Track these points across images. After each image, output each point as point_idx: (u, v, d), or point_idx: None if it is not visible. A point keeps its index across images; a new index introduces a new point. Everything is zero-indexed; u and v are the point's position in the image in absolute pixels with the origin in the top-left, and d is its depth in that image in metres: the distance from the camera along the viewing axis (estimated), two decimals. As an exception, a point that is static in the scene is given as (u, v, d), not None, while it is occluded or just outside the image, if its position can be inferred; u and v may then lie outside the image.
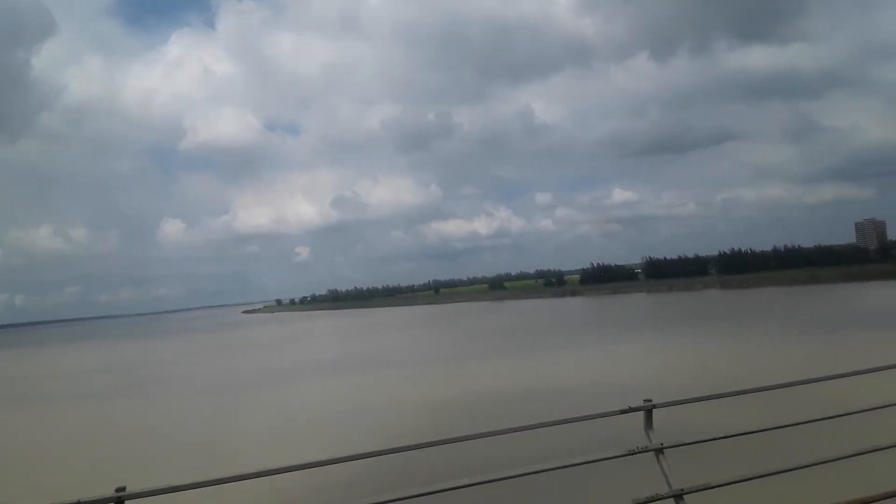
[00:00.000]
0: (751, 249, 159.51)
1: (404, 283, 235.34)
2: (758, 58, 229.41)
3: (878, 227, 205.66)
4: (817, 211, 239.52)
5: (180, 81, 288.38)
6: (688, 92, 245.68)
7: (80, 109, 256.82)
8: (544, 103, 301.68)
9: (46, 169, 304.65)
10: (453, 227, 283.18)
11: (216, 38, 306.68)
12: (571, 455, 4.49)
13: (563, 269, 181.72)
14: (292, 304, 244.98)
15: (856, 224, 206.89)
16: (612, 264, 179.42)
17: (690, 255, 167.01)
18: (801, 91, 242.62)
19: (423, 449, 4.39)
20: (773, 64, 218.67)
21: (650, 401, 4.82)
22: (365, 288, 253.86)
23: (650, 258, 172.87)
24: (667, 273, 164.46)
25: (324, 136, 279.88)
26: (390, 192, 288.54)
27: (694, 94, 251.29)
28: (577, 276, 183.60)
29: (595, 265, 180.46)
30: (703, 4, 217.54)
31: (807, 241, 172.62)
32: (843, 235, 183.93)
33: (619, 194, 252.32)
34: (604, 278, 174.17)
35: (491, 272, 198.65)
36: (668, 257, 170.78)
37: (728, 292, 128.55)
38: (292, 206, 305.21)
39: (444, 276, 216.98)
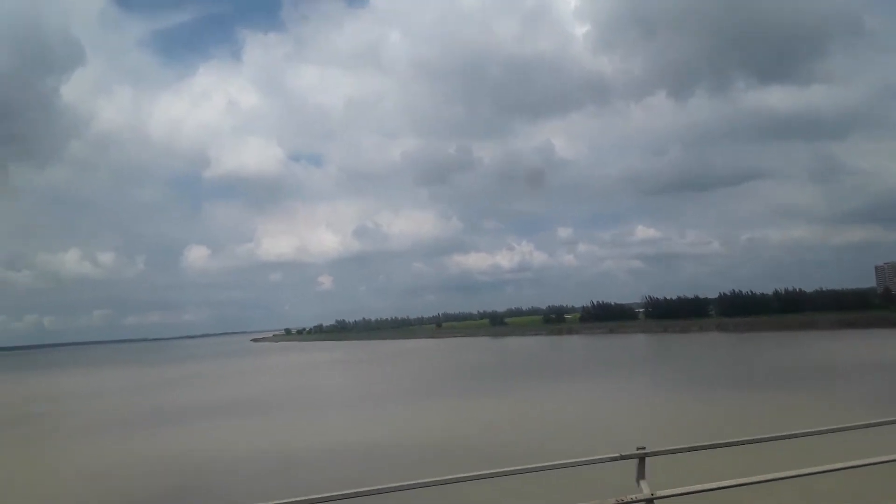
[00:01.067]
0: (752, 292, 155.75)
1: (427, 314, 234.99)
2: (778, 98, 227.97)
3: None
4: (843, 253, 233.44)
5: (206, 112, 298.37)
6: (708, 131, 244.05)
7: (108, 138, 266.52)
8: (564, 140, 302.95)
9: (74, 195, 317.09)
10: (475, 261, 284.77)
11: (242, 71, 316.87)
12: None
13: (585, 304, 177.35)
14: (299, 334, 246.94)
15: (875, 267, 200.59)
16: (613, 303, 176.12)
17: (712, 294, 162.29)
18: (824, 132, 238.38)
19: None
20: (794, 105, 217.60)
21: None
22: (374, 319, 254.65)
23: (651, 297, 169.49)
24: (667, 313, 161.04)
25: (346, 167, 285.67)
26: (411, 224, 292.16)
27: (714, 133, 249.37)
28: (578, 314, 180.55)
29: (595, 303, 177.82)
30: (721, 44, 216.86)
31: (832, 283, 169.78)
32: (869, 279, 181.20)
33: (642, 231, 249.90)
34: (603, 317, 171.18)
35: (513, 305, 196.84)
36: (670, 297, 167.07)
37: (722, 335, 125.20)
38: (315, 235, 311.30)
39: (467, 309, 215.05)
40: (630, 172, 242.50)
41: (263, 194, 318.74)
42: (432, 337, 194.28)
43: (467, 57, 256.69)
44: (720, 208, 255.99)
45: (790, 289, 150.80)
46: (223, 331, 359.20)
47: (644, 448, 4.65)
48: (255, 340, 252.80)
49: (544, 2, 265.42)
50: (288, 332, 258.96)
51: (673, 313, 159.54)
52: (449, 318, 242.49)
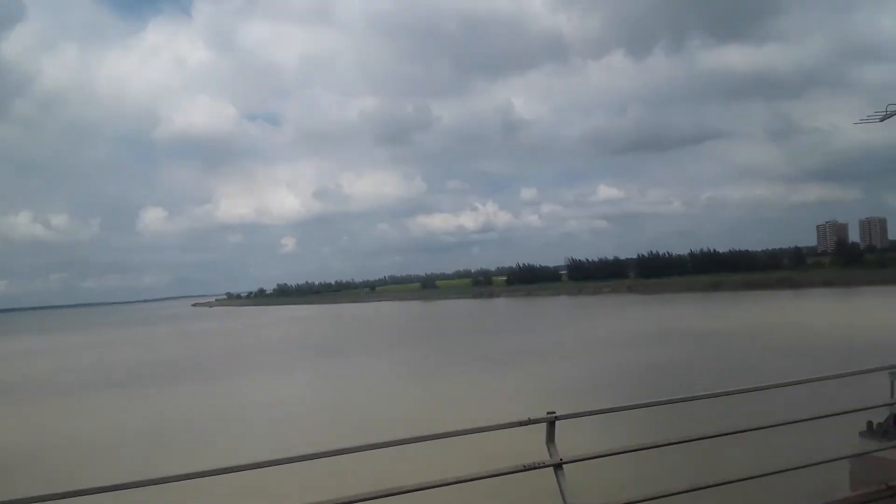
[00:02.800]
0: (668, 253, 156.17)
1: (399, 273, 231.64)
2: (735, 57, 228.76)
3: (840, 230, 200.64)
4: (802, 211, 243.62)
5: (156, 69, 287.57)
6: (667, 90, 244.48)
7: (53, 96, 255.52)
8: (524, 99, 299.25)
9: (22, 155, 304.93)
10: (439, 222, 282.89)
11: (192, 27, 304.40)
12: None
13: (553, 264, 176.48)
14: (240, 299, 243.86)
15: (816, 226, 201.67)
16: (537, 265, 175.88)
17: (677, 252, 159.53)
18: (781, 91, 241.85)
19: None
20: (751, 63, 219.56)
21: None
22: (317, 283, 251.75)
23: (573, 260, 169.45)
24: (589, 275, 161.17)
25: (304, 127, 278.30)
26: (374, 184, 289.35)
27: (673, 92, 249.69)
28: (503, 277, 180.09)
29: (520, 265, 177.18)
30: (677, 2, 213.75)
31: (789, 241, 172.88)
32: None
33: (605, 191, 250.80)
34: (528, 279, 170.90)
35: (477, 266, 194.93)
36: (590, 259, 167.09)
37: (628, 296, 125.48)
38: (275, 196, 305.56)
39: (432, 270, 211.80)
40: (591, 132, 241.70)
41: (219, 154, 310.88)
42: (364, 301, 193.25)
43: (423, 13, 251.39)
44: (681, 168, 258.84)
45: (705, 249, 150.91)
46: (185, 293, 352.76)
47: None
48: (195, 305, 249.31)
49: None
50: (230, 296, 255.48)
51: (594, 275, 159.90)
52: (396, 280, 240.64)
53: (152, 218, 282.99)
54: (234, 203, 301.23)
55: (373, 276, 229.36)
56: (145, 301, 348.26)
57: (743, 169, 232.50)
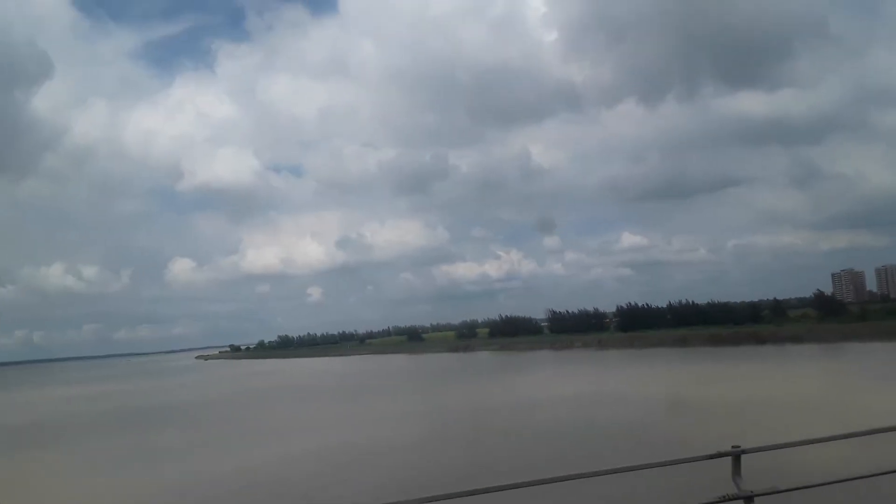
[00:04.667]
0: (647, 304, 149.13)
1: (423, 323, 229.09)
2: (749, 104, 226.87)
3: (857, 279, 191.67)
4: (833, 258, 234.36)
5: (182, 124, 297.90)
6: (683, 138, 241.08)
7: (83, 150, 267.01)
8: (541, 147, 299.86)
9: (53, 208, 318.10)
10: (463, 270, 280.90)
11: (216, 82, 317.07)
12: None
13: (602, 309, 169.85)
14: (243, 351, 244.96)
15: (832, 275, 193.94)
16: (519, 316, 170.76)
17: (672, 303, 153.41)
18: (799, 137, 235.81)
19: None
20: (765, 110, 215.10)
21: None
22: (319, 334, 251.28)
23: (554, 312, 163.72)
24: (568, 328, 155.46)
25: (325, 177, 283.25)
26: (396, 234, 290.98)
27: (690, 139, 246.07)
28: (487, 329, 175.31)
29: (502, 317, 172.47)
30: (687, 50, 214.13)
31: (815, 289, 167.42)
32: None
33: (628, 239, 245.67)
34: (510, 332, 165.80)
35: (504, 313, 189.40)
36: (570, 311, 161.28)
37: (591, 352, 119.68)
38: (299, 246, 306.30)
39: (458, 318, 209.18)
40: (610, 180, 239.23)
41: (243, 206, 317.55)
42: (353, 354, 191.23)
43: (437, 65, 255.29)
44: (703, 215, 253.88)
45: (684, 301, 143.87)
46: (214, 344, 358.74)
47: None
48: (199, 358, 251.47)
49: (512, 10, 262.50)
50: (234, 348, 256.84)
51: (574, 327, 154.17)
52: (400, 331, 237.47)
53: (181, 269, 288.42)
54: (260, 253, 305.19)
55: (401, 324, 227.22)
56: (171, 352, 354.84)
57: (767, 216, 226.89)
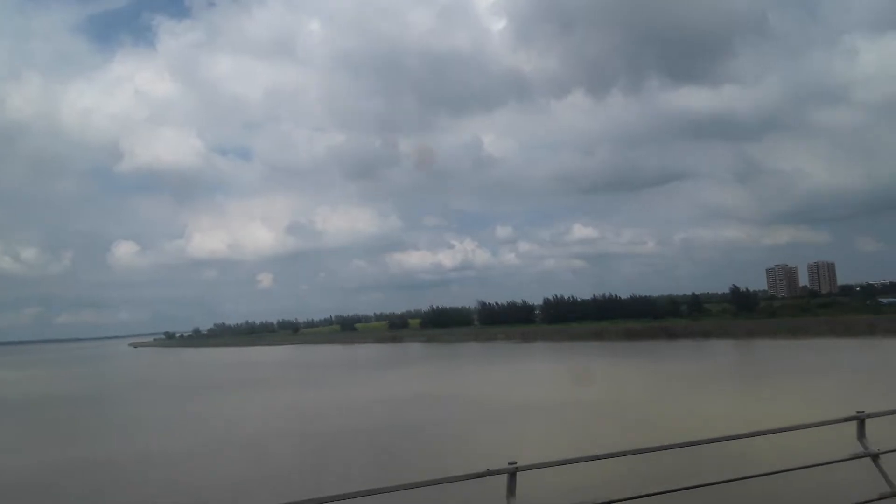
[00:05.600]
0: (573, 297, 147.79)
1: (372, 311, 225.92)
2: (693, 99, 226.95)
3: (790, 274, 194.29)
4: (776, 253, 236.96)
5: (121, 102, 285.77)
6: (631, 131, 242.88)
7: (16, 127, 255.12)
8: (492, 136, 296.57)
9: None
10: (416, 259, 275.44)
11: (156, 60, 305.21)
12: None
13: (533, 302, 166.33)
14: (178, 339, 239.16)
15: (766, 270, 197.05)
16: (450, 307, 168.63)
17: (596, 296, 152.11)
18: (741, 133, 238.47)
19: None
20: (709, 105, 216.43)
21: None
22: (258, 322, 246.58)
23: (484, 303, 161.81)
24: (497, 319, 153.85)
25: (273, 161, 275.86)
26: (347, 220, 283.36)
27: (637, 132, 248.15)
28: (419, 320, 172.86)
29: (433, 308, 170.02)
30: (633, 43, 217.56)
31: (761, 283, 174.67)
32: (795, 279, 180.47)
33: (580, 230, 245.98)
34: (441, 323, 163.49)
35: (457, 303, 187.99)
36: (500, 303, 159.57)
37: (510, 344, 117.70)
38: (248, 231, 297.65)
39: (412, 307, 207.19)
40: (562, 171, 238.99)
41: (188, 188, 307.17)
42: (284, 344, 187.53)
43: (386, 50, 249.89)
44: (651, 208, 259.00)
45: (608, 294, 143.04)
46: (158, 329, 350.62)
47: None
48: (132, 345, 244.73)
49: None
50: (168, 335, 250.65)
51: (502, 318, 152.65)
52: (343, 320, 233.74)
53: (124, 252, 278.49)
54: (206, 238, 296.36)
55: (352, 313, 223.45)
56: (112, 338, 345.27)
57: (712, 210, 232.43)
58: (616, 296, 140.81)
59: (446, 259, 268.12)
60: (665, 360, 67.46)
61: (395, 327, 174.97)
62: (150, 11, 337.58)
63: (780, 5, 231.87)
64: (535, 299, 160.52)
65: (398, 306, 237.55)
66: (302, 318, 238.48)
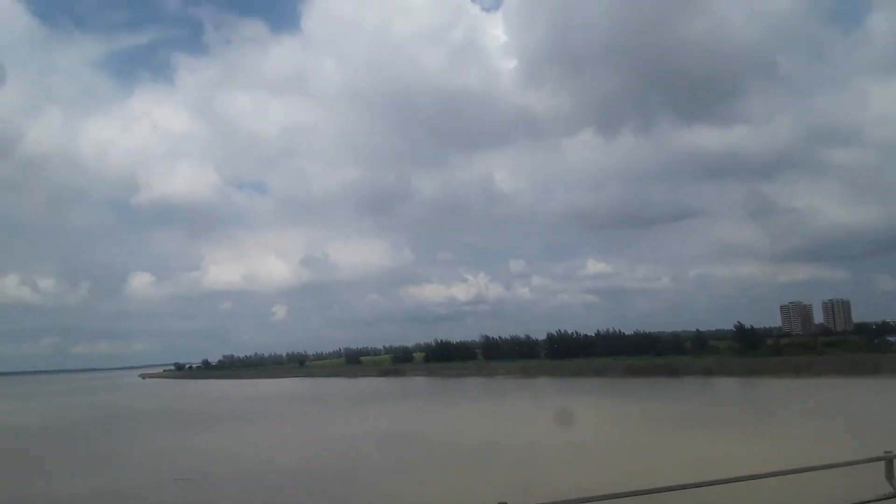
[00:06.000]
0: (576, 332, 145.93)
1: (390, 344, 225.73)
2: (704, 138, 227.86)
3: (804, 311, 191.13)
4: (791, 290, 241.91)
5: (140, 136, 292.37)
6: (642, 168, 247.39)
7: (37, 160, 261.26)
8: (504, 173, 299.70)
9: (6, 218, 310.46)
10: (430, 292, 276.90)
11: (174, 95, 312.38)
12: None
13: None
14: (187, 371, 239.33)
15: (780, 307, 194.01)
16: (454, 342, 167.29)
17: (600, 331, 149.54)
18: (753, 172, 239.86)
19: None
20: (720, 145, 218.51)
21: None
22: (267, 355, 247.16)
23: (488, 338, 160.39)
24: (500, 354, 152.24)
25: (289, 195, 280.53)
26: (361, 254, 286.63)
27: (648, 170, 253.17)
28: (423, 354, 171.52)
29: (437, 342, 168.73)
30: (643, 83, 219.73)
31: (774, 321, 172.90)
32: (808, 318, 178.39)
33: (593, 266, 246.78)
34: (445, 357, 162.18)
35: (470, 337, 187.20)
36: (503, 337, 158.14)
37: (509, 380, 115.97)
38: (262, 264, 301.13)
39: (426, 340, 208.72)
40: (574, 207, 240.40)
41: (204, 221, 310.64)
42: (289, 376, 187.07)
43: (398, 88, 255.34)
44: (664, 244, 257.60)
45: (612, 330, 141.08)
46: (176, 360, 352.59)
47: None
48: (142, 376, 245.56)
49: (472, 37, 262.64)
50: (178, 367, 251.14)
51: (506, 354, 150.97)
52: (350, 353, 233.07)
53: (140, 283, 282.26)
54: (222, 270, 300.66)
55: (365, 345, 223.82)
56: (125, 368, 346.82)
57: (726, 247, 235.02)
58: (620, 331, 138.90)
59: (460, 293, 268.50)
60: (656, 399, 65.98)
61: (399, 360, 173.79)
62: (168, 48, 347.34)
63: (789, 48, 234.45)
64: (546, 331, 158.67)
65: (412, 339, 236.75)
66: (316, 350, 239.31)
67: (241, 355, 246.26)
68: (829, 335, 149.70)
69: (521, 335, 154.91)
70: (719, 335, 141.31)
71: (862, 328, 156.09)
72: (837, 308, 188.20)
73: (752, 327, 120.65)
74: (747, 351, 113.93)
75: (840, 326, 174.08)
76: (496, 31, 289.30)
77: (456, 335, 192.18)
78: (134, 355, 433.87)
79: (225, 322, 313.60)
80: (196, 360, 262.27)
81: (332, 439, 44.46)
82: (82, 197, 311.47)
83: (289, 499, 28.14)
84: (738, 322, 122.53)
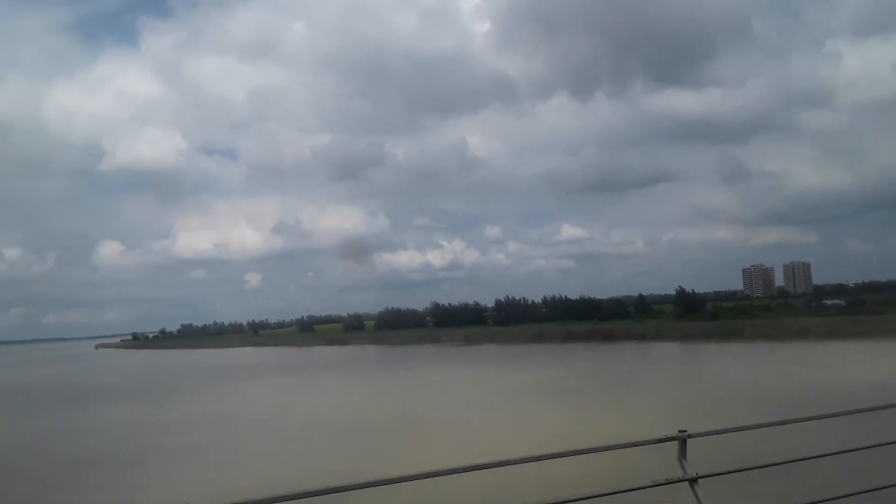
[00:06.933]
0: (524, 299, 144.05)
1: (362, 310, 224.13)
2: (677, 102, 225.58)
3: (766, 274, 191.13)
4: (763, 253, 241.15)
5: (105, 102, 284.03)
6: (616, 132, 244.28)
7: (1, 128, 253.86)
8: (478, 137, 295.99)
9: None
10: (406, 259, 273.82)
11: (141, 60, 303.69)
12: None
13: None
14: (145, 340, 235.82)
15: (742, 270, 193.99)
16: (404, 309, 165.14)
17: (546, 297, 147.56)
18: (726, 135, 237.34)
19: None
20: (693, 108, 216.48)
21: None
22: (227, 323, 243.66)
23: (437, 305, 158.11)
24: (450, 321, 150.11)
25: (260, 161, 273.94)
26: (335, 220, 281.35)
27: (623, 134, 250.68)
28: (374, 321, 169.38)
29: (388, 309, 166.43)
30: (616, 46, 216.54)
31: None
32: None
33: (568, 231, 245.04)
34: (396, 325, 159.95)
35: (446, 301, 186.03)
36: (453, 304, 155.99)
37: (452, 348, 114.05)
38: (235, 231, 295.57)
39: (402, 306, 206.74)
40: (548, 172, 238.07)
41: (173, 188, 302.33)
42: (247, 345, 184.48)
43: (370, 51, 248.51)
44: (639, 209, 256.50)
45: (558, 296, 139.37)
46: (145, 329, 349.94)
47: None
48: (99, 347, 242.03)
49: (444, 0, 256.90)
50: (135, 337, 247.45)
51: (455, 320, 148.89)
52: (314, 321, 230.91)
53: (109, 252, 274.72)
54: (193, 238, 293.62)
55: (343, 312, 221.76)
56: (102, 337, 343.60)
57: (700, 211, 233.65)
58: (565, 297, 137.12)
59: (436, 259, 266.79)
60: (563, 365, 63.77)
61: (351, 329, 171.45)
62: (133, 12, 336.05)
63: (764, 10, 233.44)
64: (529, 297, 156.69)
65: (389, 305, 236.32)
66: (285, 318, 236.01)
67: (200, 324, 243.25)
68: (788, 297, 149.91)
69: (471, 302, 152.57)
70: (655, 300, 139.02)
71: (819, 290, 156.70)
72: (798, 271, 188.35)
73: (693, 291, 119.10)
74: (686, 315, 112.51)
75: (801, 289, 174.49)
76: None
77: (432, 301, 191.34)
78: (106, 325, 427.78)
79: (198, 290, 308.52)
80: (169, 327, 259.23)
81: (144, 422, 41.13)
82: (47, 164, 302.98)
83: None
84: (679, 286, 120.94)
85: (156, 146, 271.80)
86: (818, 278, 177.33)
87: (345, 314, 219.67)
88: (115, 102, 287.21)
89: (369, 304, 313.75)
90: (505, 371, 60.77)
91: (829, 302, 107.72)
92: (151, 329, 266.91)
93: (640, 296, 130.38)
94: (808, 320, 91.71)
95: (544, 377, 53.20)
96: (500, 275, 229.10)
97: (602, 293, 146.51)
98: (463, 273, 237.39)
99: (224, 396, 54.46)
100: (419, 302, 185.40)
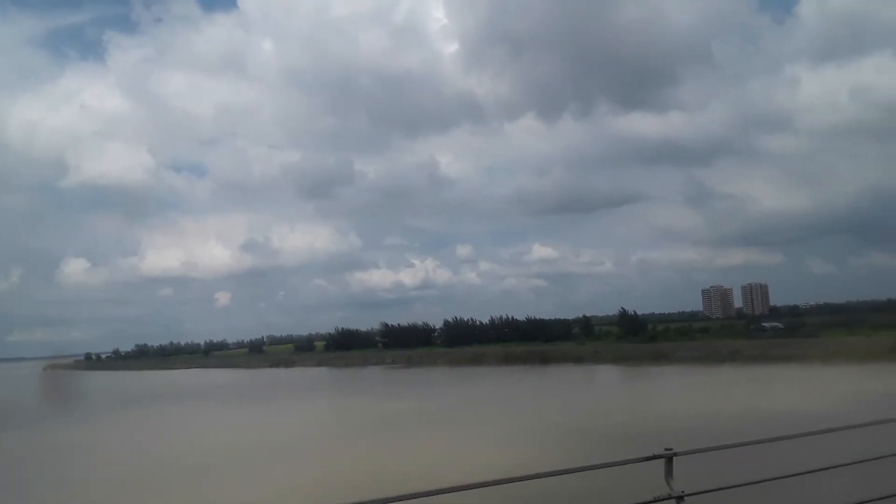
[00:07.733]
0: (472, 319, 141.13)
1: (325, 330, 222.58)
2: (641, 124, 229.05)
3: (725, 296, 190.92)
4: (728, 274, 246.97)
5: (69, 116, 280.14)
6: (583, 154, 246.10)
7: None
8: (449, 157, 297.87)
9: None
10: (378, 278, 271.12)
11: (107, 74, 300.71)
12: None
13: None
14: (97, 361, 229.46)
15: (702, 291, 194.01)
16: (354, 329, 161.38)
17: (493, 318, 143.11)
18: (690, 158, 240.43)
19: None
20: (658, 131, 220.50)
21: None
22: (184, 343, 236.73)
23: (387, 325, 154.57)
24: (400, 341, 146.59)
25: (229, 178, 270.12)
26: (305, 239, 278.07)
27: (589, 156, 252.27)
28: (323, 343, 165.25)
29: (339, 330, 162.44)
30: (581, 69, 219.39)
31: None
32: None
33: (539, 250, 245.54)
34: (346, 345, 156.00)
35: (417, 321, 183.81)
36: (402, 324, 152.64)
37: (395, 371, 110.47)
38: (204, 249, 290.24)
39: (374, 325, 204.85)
40: (518, 192, 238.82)
41: (140, 205, 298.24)
42: (196, 367, 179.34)
43: (339, 69, 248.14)
44: (607, 229, 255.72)
45: (506, 317, 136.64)
46: (113, 348, 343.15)
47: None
48: (52, 368, 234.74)
49: (413, 18, 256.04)
50: (87, 357, 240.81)
51: (405, 342, 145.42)
52: (275, 340, 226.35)
53: (75, 269, 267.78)
54: (161, 255, 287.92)
55: (313, 332, 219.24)
56: (71, 356, 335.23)
57: (666, 232, 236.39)
58: (512, 318, 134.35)
59: (407, 278, 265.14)
60: (461, 392, 60.52)
61: (301, 350, 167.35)
62: (99, 26, 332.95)
63: (724, 35, 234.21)
64: (494, 315, 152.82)
65: (362, 324, 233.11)
66: (252, 338, 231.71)
67: (156, 344, 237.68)
68: (743, 318, 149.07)
69: (420, 322, 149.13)
70: (599, 321, 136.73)
71: (774, 311, 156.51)
72: (755, 292, 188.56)
73: (634, 313, 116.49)
74: (627, 336, 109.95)
75: (758, 310, 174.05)
76: (437, 13, 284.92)
77: (404, 320, 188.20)
78: (72, 343, 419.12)
79: (166, 309, 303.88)
80: (139, 346, 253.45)
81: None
82: (10, 179, 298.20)
83: None
84: (622, 308, 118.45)
85: (122, 162, 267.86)
86: (779, 299, 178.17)
87: (305, 334, 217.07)
88: (81, 117, 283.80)
89: (343, 322, 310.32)
90: (386, 398, 57.46)
91: (766, 325, 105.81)
92: (126, 347, 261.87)
93: (585, 317, 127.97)
94: (741, 343, 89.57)
95: (421, 405, 49.92)
96: (472, 294, 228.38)
97: (574, 313, 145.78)
98: (435, 292, 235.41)
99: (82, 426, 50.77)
100: (393, 321, 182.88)
